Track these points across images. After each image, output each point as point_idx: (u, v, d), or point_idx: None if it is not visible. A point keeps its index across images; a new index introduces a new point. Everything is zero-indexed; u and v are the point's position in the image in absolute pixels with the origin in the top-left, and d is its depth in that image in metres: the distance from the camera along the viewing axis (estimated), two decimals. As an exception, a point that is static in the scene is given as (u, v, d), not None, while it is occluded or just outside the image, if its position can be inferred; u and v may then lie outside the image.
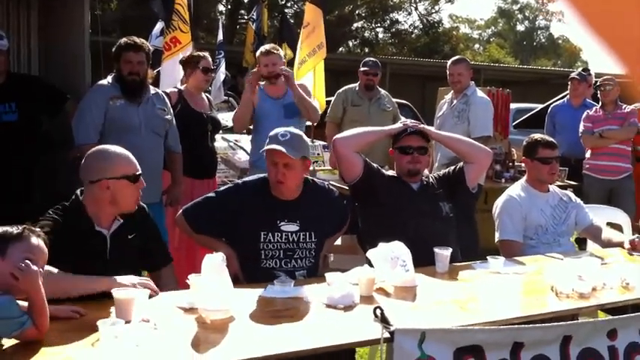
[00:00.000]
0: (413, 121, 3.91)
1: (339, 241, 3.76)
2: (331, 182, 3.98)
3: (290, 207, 3.19)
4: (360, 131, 3.72)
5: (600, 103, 6.44)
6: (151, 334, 2.16)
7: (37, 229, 2.29)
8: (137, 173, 2.83)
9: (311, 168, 7.13)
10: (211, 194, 3.25)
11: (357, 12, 33.04)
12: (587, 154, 6.41)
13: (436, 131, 3.83)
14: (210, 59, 5.09)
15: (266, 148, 3.15)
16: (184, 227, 3.25)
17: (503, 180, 6.33)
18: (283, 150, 3.07)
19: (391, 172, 3.77)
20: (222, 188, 3.28)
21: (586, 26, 0.83)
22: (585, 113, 6.40)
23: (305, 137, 3.28)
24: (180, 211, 3.31)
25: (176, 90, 4.95)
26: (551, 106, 7.29)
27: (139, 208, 2.92)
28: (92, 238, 2.75)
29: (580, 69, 7.47)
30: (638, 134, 6.38)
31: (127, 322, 2.21)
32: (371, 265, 2.89)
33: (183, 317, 2.39)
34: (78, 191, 2.83)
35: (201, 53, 5.03)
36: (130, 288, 2.40)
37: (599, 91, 6.42)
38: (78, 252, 2.64)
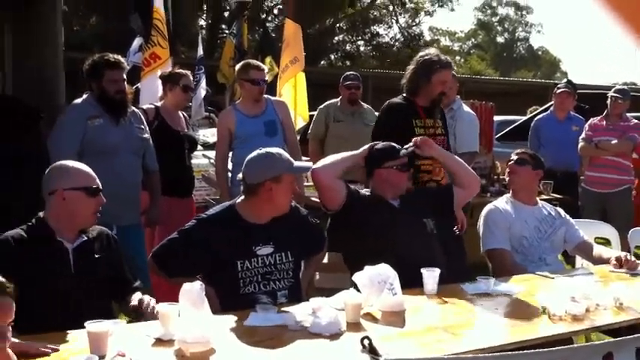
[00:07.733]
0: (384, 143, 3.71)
1: (325, 259, 3.66)
2: (313, 198, 3.90)
3: (261, 230, 3.12)
4: (337, 158, 3.58)
5: (605, 112, 6.23)
6: (126, 370, 2.03)
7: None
8: (95, 187, 2.78)
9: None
10: (175, 235, 3.10)
11: (338, 25, 33.03)
12: (585, 166, 6.25)
13: (436, 146, 3.66)
14: (191, 78, 4.99)
15: (292, 171, 3.16)
16: (158, 272, 3.13)
17: (488, 194, 6.26)
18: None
19: (366, 192, 3.64)
20: (186, 226, 3.14)
21: None
22: (590, 120, 6.23)
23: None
24: (150, 255, 3.17)
25: (153, 107, 4.82)
26: (535, 119, 7.20)
27: (105, 234, 2.87)
28: (54, 250, 2.67)
29: (564, 80, 7.38)
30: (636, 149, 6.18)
31: (102, 357, 2.09)
32: (357, 289, 2.79)
33: (161, 350, 2.27)
34: (41, 213, 2.77)
35: (182, 71, 4.91)
36: (104, 321, 2.25)
37: (608, 101, 6.17)
38: (41, 266, 2.59)
